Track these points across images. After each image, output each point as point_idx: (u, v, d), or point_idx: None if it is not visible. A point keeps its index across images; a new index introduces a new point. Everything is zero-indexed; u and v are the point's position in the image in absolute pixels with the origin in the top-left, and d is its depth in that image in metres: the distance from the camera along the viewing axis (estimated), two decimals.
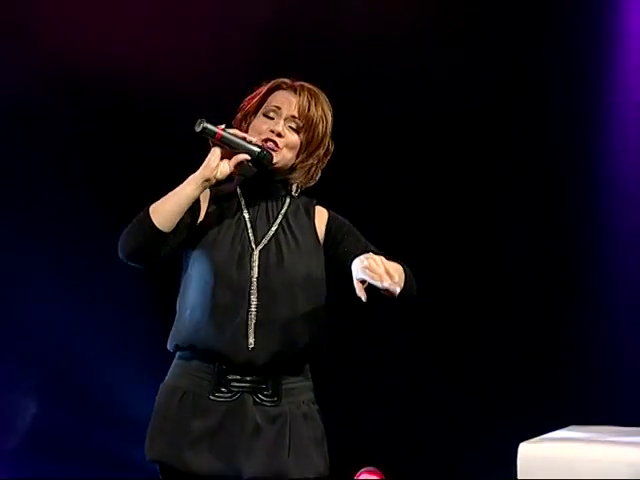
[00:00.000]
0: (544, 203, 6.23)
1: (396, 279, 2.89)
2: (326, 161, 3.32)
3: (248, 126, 3.25)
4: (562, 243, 6.20)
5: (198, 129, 3.08)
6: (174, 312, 3.31)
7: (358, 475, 6.24)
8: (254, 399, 3.10)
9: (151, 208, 3.07)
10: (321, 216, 3.33)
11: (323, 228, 3.31)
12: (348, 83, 6.25)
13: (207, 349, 3.12)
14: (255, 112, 3.25)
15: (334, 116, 3.33)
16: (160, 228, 3.04)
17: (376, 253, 3.10)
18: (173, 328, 3.25)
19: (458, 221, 6.38)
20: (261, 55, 6.35)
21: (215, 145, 3.12)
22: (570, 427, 4.04)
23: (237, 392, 3.10)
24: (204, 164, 3.10)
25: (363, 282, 2.95)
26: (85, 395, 6.54)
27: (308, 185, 3.30)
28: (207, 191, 3.21)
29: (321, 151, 3.26)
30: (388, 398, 6.36)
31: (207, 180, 3.08)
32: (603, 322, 6.02)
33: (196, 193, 3.08)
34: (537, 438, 3.76)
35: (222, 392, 3.10)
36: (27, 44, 6.90)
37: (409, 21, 6.49)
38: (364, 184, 6.14)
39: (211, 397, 3.09)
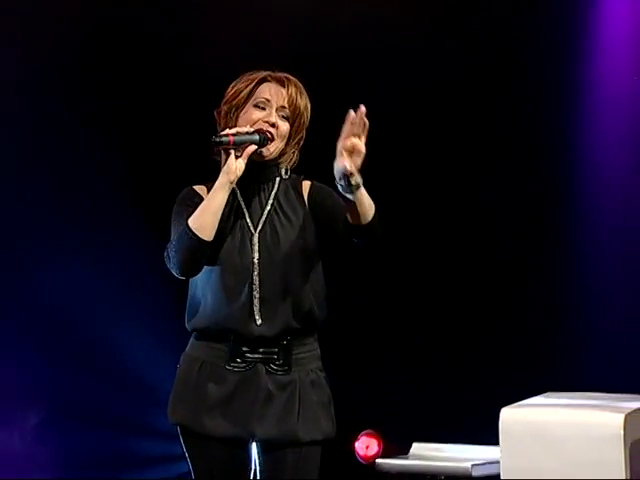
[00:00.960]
0: (525, 185, 6.24)
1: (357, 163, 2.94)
2: (300, 146, 3.41)
3: (237, 117, 3.31)
4: (541, 219, 6.23)
5: (217, 141, 3.16)
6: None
7: (358, 438, 6.45)
8: (266, 368, 3.16)
9: (192, 225, 3.11)
10: (306, 188, 3.40)
11: (306, 196, 3.39)
12: (334, 70, 6.21)
13: (221, 329, 3.21)
14: (244, 104, 3.29)
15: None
16: (207, 240, 3.11)
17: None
18: (187, 311, 3.35)
19: (443, 206, 6.38)
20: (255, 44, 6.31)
21: (227, 150, 3.20)
22: (546, 394, 4.16)
23: (250, 362, 3.18)
24: (225, 170, 3.16)
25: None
26: (107, 364, 6.50)
27: (293, 166, 3.36)
28: (204, 188, 3.30)
29: (303, 136, 3.35)
30: (386, 369, 6.46)
31: (232, 182, 3.17)
32: (577, 300, 6.10)
33: (226, 197, 3.17)
34: (516, 404, 3.90)
35: (237, 362, 3.18)
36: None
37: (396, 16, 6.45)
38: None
39: (227, 367, 3.17)
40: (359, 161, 3.00)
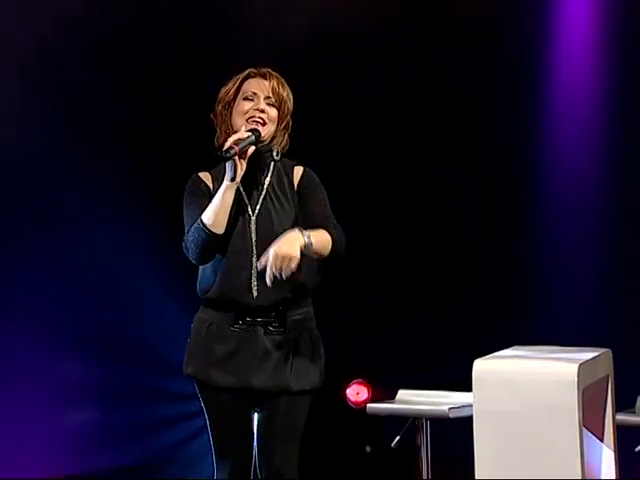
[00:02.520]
0: (493, 168, 6.45)
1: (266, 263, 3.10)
2: (289, 130, 3.53)
3: (230, 112, 3.43)
4: (509, 200, 6.46)
5: (227, 155, 3.26)
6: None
7: (350, 386, 6.61)
8: (265, 330, 3.34)
9: (207, 222, 3.23)
10: (298, 173, 3.51)
11: (296, 183, 3.52)
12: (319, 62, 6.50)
13: (225, 299, 3.37)
14: (234, 99, 3.43)
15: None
16: (219, 234, 3.26)
17: (327, 217, 3.40)
18: (198, 282, 3.50)
19: (423, 188, 6.60)
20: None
21: (232, 157, 3.28)
22: (513, 347, 4.30)
23: (250, 325, 3.35)
24: (229, 170, 3.27)
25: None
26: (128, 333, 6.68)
27: (284, 149, 3.49)
28: (209, 175, 3.44)
29: (289, 120, 3.48)
30: (375, 325, 6.64)
31: (236, 182, 3.29)
32: (540, 268, 6.36)
33: (233, 195, 3.29)
34: (487, 356, 4.01)
35: (239, 324, 3.36)
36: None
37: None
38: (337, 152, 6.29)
39: (231, 328, 3.35)
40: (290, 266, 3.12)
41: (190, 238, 3.28)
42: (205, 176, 3.46)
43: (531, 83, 6.48)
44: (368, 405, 4.84)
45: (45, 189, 6.50)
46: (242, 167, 3.28)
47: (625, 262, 6.12)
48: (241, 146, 3.26)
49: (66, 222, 6.52)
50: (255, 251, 3.33)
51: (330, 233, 3.36)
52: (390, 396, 4.83)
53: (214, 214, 3.24)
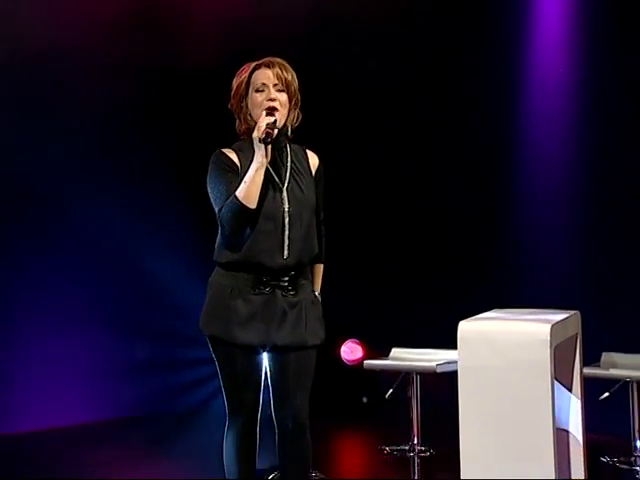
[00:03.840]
0: (478, 155, 6.61)
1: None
2: (299, 106, 3.55)
3: (246, 104, 3.47)
4: (493, 179, 6.61)
5: (268, 141, 3.30)
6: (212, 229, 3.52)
7: (345, 344, 6.78)
8: (281, 293, 3.38)
9: (241, 198, 3.27)
10: (313, 159, 3.56)
11: (314, 170, 3.54)
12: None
13: (250, 262, 3.36)
14: (247, 92, 3.47)
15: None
16: (253, 208, 3.29)
17: (323, 218, 3.51)
18: (219, 248, 3.44)
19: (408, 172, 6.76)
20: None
21: (272, 141, 3.32)
22: (494, 310, 4.41)
23: (270, 288, 3.38)
24: (262, 154, 3.31)
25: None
26: (147, 285, 6.88)
27: (297, 123, 3.51)
28: (232, 151, 3.45)
29: (298, 97, 3.51)
30: (369, 290, 6.80)
31: (267, 161, 3.33)
32: (518, 239, 6.50)
33: (262, 174, 3.31)
34: (471, 318, 4.07)
35: (260, 289, 3.37)
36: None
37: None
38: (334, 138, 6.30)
39: (252, 292, 3.36)
40: None
41: (226, 214, 3.31)
42: (229, 152, 3.46)
43: (510, 80, 6.55)
44: (365, 361, 4.84)
45: (62, 173, 6.51)
46: (268, 149, 3.34)
47: (591, 236, 6.19)
48: (274, 129, 3.32)
49: (83, 204, 6.58)
50: (288, 217, 3.38)
51: (321, 256, 3.55)
52: (383, 354, 4.83)
53: (248, 191, 3.28)
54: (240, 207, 3.29)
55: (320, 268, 3.59)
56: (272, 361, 3.46)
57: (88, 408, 6.49)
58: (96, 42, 6.62)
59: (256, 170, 3.30)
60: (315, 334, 3.47)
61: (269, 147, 3.33)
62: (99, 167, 6.71)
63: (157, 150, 6.94)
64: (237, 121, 3.52)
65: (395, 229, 6.88)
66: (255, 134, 3.31)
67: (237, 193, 3.30)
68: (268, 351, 3.44)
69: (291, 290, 3.42)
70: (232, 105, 3.50)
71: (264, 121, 3.32)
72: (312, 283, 3.56)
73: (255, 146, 3.32)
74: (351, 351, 6.76)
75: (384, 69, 6.68)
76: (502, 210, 6.59)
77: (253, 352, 3.41)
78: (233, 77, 3.54)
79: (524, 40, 6.47)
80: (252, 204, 3.30)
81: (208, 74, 6.42)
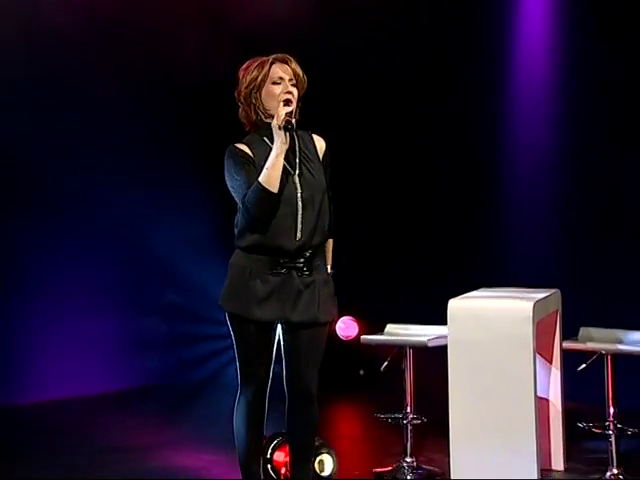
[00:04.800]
0: (467, 141, 6.62)
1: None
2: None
3: (259, 95, 3.46)
4: (480, 167, 6.64)
5: (290, 128, 3.33)
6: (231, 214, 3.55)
7: (340, 321, 6.77)
8: (296, 273, 3.41)
9: (264, 183, 3.30)
10: (320, 143, 3.56)
11: (321, 154, 3.54)
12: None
13: (268, 244, 3.38)
14: (262, 84, 3.43)
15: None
16: (275, 192, 3.31)
17: (330, 195, 3.52)
18: (239, 232, 3.45)
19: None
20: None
21: (293, 129, 3.35)
22: (481, 289, 4.52)
23: (286, 269, 3.41)
24: (281, 141, 3.33)
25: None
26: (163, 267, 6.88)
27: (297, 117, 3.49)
28: (244, 145, 3.45)
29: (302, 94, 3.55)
30: (365, 269, 6.80)
31: (285, 148, 3.34)
32: (503, 223, 6.53)
33: (282, 160, 3.33)
34: (460, 296, 4.22)
35: (277, 269, 3.40)
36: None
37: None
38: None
39: (269, 273, 3.40)
40: None
41: (251, 200, 3.33)
42: (241, 146, 3.45)
43: (497, 76, 6.57)
44: (362, 337, 4.82)
45: (77, 155, 6.46)
46: (287, 136, 3.35)
47: (572, 220, 6.21)
48: (288, 119, 3.34)
49: (99, 189, 6.51)
50: (300, 200, 3.40)
51: (331, 232, 3.58)
52: (379, 330, 4.82)
53: (270, 176, 3.31)
54: (264, 192, 3.31)
55: (330, 243, 3.61)
56: (286, 336, 3.48)
57: (106, 378, 6.54)
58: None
59: (276, 156, 3.34)
60: (327, 312, 3.50)
61: (288, 134, 3.35)
62: (115, 148, 6.62)
63: (175, 132, 6.85)
64: (243, 110, 3.51)
65: (390, 213, 6.89)
66: (275, 122, 3.33)
67: (260, 179, 3.32)
68: (283, 327, 3.48)
69: (306, 271, 3.44)
70: (241, 95, 3.49)
71: (283, 110, 3.35)
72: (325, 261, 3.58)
73: (275, 134, 3.34)
74: (347, 327, 6.75)
75: (378, 65, 6.73)
76: (489, 195, 6.61)
77: (268, 328, 3.45)
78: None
79: (509, 40, 6.51)
80: (274, 188, 3.33)
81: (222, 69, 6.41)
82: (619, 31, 5.86)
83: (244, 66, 3.51)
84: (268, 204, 3.34)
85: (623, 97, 5.93)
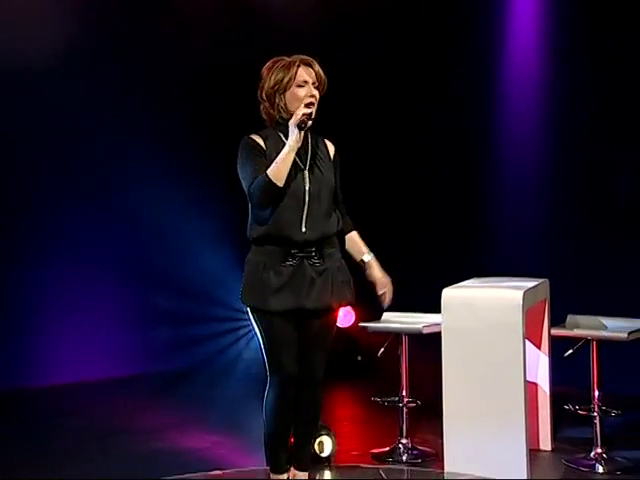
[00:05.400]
0: (461, 139, 6.65)
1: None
2: None
3: (284, 95, 3.47)
4: (472, 164, 6.66)
5: (304, 127, 3.36)
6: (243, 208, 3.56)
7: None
8: (308, 263, 3.44)
9: (272, 176, 3.32)
10: (331, 147, 3.61)
11: (332, 150, 3.60)
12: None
13: (278, 235, 3.41)
14: (288, 86, 3.44)
15: None
16: (281, 186, 3.34)
17: (341, 198, 3.57)
18: (251, 225, 3.48)
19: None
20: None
21: (308, 128, 3.38)
22: (473, 278, 4.56)
23: (298, 259, 3.43)
24: (295, 139, 3.36)
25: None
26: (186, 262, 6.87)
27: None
28: (259, 137, 3.48)
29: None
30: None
31: (297, 146, 3.37)
32: (495, 216, 6.53)
33: (293, 157, 3.36)
34: (453, 285, 4.27)
35: (289, 260, 3.42)
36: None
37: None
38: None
39: (282, 264, 3.42)
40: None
41: (256, 189, 3.35)
42: (256, 137, 3.46)
43: (490, 75, 6.59)
44: (360, 324, 4.82)
45: (99, 140, 6.44)
46: (300, 135, 3.38)
47: (560, 215, 6.23)
48: (304, 117, 3.39)
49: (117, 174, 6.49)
50: (308, 195, 3.43)
51: (351, 225, 3.62)
52: (376, 318, 4.79)
53: (278, 170, 3.34)
54: (269, 184, 3.34)
55: (355, 235, 3.63)
56: (299, 323, 3.49)
57: (114, 363, 6.56)
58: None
59: (288, 152, 3.36)
60: (341, 296, 3.51)
61: (302, 133, 3.39)
62: (132, 136, 6.58)
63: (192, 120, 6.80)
64: (264, 107, 3.53)
65: (387, 207, 6.87)
66: (292, 121, 3.37)
67: (268, 171, 3.34)
68: (298, 314, 3.47)
69: (318, 259, 3.45)
70: (265, 93, 3.50)
71: (302, 111, 3.38)
72: (355, 248, 3.61)
73: (290, 131, 3.37)
74: (344, 316, 6.70)
75: (374, 63, 6.74)
76: (482, 190, 6.62)
77: (286, 317, 3.44)
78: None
79: (501, 41, 6.51)
80: (280, 182, 3.36)
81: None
82: (606, 30, 5.89)
83: (268, 65, 3.51)
84: (271, 196, 3.37)
85: (603, 96, 5.97)
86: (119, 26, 6.47)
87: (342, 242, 3.61)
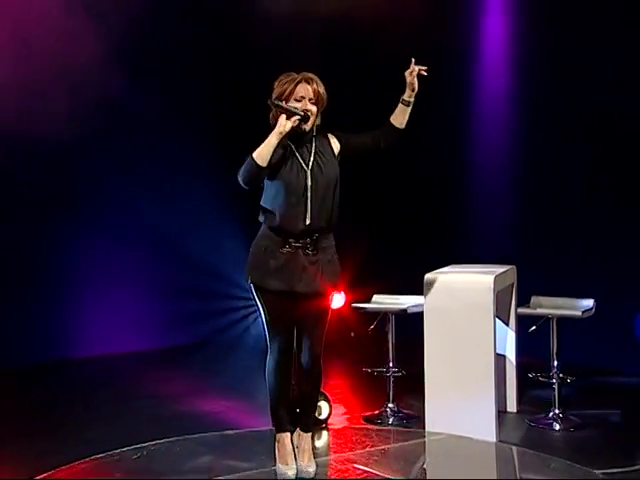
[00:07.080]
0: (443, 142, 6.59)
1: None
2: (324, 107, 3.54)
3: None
4: (455, 159, 6.62)
5: (275, 104, 3.41)
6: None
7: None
8: (303, 252, 3.49)
9: (255, 156, 3.34)
10: (333, 139, 3.60)
11: (337, 144, 3.59)
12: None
13: (280, 226, 3.45)
14: (289, 98, 3.50)
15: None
16: (263, 166, 3.35)
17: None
18: (261, 214, 3.52)
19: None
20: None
21: (281, 114, 3.40)
22: (451, 265, 4.64)
23: (294, 248, 3.48)
24: (278, 125, 3.37)
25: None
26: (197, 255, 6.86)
27: (318, 125, 3.55)
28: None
29: (323, 105, 3.55)
30: (353, 247, 6.28)
31: (280, 133, 3.38)
32: (471, 209, 6.59)
33: (276, 142, 3.38)
34: (434, 271, 4.36)
35: (286, 247, 3.47)
36: None
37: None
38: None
39: (280, 250, 3.48)
40: (416, 87, 3.51)
41: (242, 169, 3.39)
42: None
43: (465, 80, 6.58)
44: (353, 305, 4.80)
45: (119, 126, 6.31)
46: (286, 125, 3.38)
47: (526, 207, 6.27)
48: (289, 107, 3.41)
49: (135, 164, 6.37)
50: (310, 192, 3.45)
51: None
52: (366, 299, 4.82)
53: (261, 151, 3.35)
54: (252, 163, 3.35)
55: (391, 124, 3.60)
56: (296, 303, 3.53)
57: (150, 338, 6.58)
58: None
59: (270, 136, 3.40)
60: (329, 285, 3.57)
61: (286, 124, 3.41)
62: (147, 137, 6.48)
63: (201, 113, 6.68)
64: (272, 114, 3.57)
65: (375, 200, 6.86)
66: (281, 120, 3.47)
67: (253, 154, 3.38)
68: (291, 296, 3.51)
69: (312, 250, 3.49)
70: (272, 101, 3.55)
71: (293, 105, 3.49)
72: (398, 110, 3.58)
73: (278, 123, 3.45)
74: (338, 299, 6.45)
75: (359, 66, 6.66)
76: (459, 190, 6.65)
77: (282, 295, 3.50)
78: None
79: (474, 57, 6.55)
80: (262, 162, 3.36)
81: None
82: (565, 44, 5.91)
83: (279, 78, 3.58)
84: (254, 175, 3.38)
85: (558, 104, 6.01)
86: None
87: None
